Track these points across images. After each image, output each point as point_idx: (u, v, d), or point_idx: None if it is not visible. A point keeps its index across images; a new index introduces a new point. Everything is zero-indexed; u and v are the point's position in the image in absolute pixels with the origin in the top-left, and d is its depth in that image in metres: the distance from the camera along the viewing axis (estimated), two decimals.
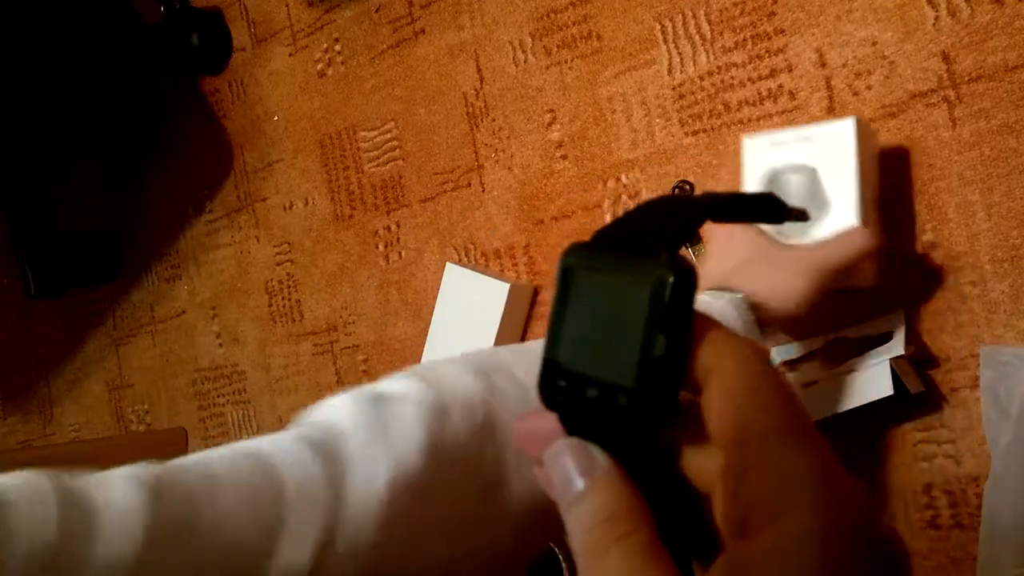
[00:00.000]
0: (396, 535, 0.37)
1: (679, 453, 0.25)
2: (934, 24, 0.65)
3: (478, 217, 0.92)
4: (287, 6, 1.10)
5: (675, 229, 0.26)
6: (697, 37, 0.76)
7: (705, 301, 0.54)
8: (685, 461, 0.25)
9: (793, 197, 0.61)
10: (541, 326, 0.86)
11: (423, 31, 0.96)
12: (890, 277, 0.67)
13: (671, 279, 0.23)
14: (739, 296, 0.55)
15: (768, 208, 0.33)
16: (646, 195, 0.80)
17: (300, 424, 0.40)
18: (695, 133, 0.77)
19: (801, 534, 0.21)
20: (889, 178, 0.67)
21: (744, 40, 0.74)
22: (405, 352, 0.99)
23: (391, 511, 0.37)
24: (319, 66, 1.07)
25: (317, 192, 1.07)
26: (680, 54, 0.78)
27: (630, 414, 0.24)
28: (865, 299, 0.68)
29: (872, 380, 0.62)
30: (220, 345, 1.19)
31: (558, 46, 0.86)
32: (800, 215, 0.37)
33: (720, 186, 0.75)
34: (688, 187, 0.76)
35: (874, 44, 0.67)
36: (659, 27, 0.79)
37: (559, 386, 0.25)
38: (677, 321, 0.24)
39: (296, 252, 1.10)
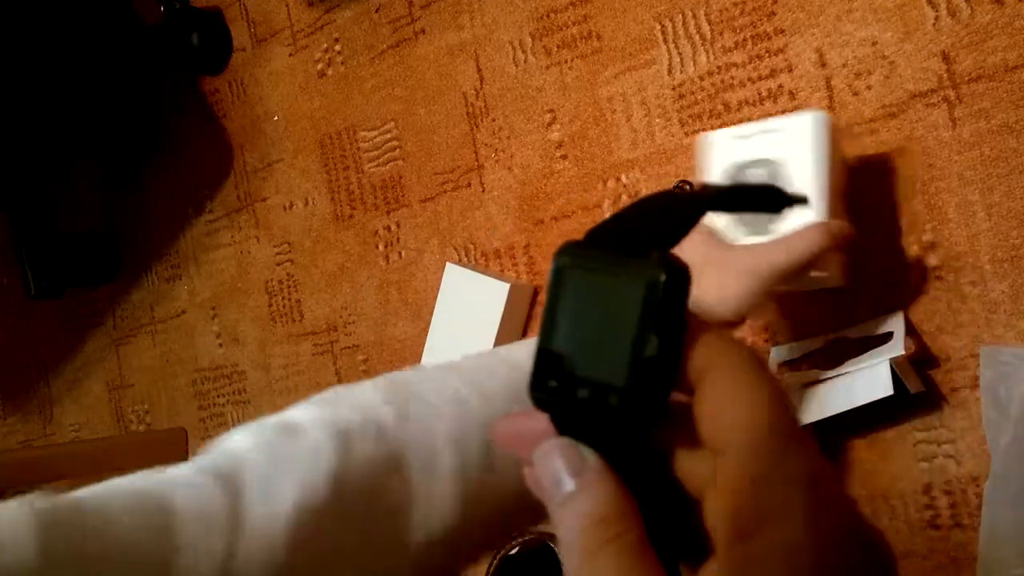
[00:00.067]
0: (300, 562, 0.37)
1: (671, 455, 0.25)
2: (934, 24, 0.65)
3: (478, 217, 0.92)
4: (287, 6, 1.10)
5: (670, 226, 0.26)
6: (697, 37, 0.76)
7: None
8: (677, 463, 0.25)
9: None
10: None
11: (423, 31, 0.96)
12: (890, 277, 0.67)
13: (663, 279, 0.23)
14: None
15: (768, 197, 0.33)
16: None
17: (205, 454, 0.40)
18: (695, 133, 0.77)
19: (792, 541, 0.21)
20: (881, 180, 0.67)
21: (744, 40, 0.74)
22: (405, 352, 0.99)
23: (296, 537, 0.36)
24: (319, 66, 1.07)
25: (317, 192, 1.07)
26: (680, 54, 0.78)
27: (621, 415, 0.23)
28: (848, 300, 0.68)
29: (872, 380, 0.62)
30: (220, 345, 1.19)
31: (558, 46, 0.86)
32: (802, 201, 0.37)
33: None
34: (688, 187, 0.76)
35: (874, 44, 0.67)
36: (659, 27, 0.79)
37: (550, 386, 0.25)
38: (670, 321, 0.23)
39: (296, 252, 1.10)
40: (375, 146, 1.01)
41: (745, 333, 0.74)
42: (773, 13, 0.72)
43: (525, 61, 0.88)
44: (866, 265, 0.68)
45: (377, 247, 1.01)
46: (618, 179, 0.81)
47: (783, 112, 0.72)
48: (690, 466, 0.25)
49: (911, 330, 0.65)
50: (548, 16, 0.86)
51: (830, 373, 0.66)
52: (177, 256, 1.25)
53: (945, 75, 0.64)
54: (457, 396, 0.43)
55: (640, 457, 0.25)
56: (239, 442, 0.40)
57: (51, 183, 1.26)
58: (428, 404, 0.42)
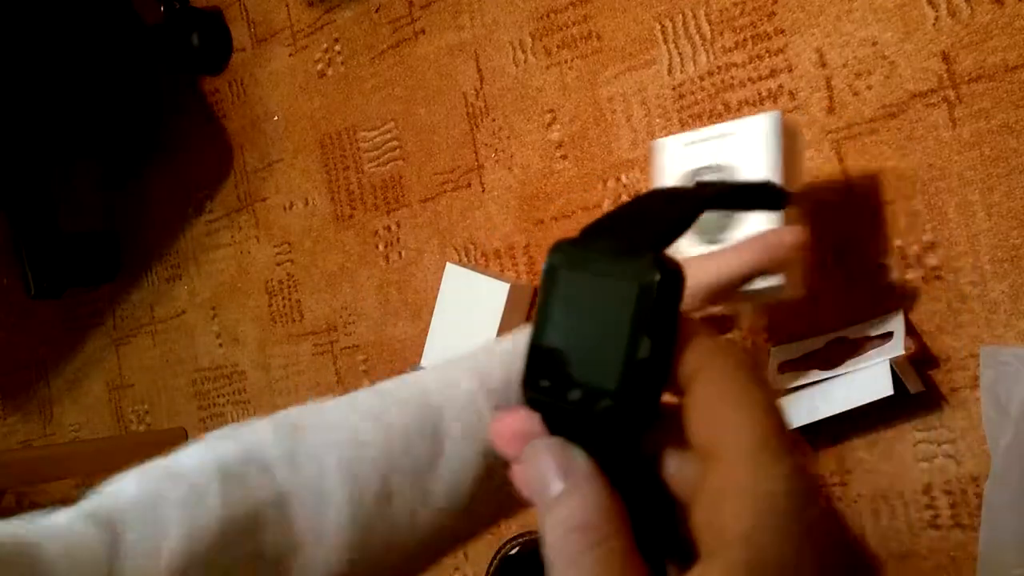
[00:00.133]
0: None
1: (659, 457, 0.25)
2: (934, 24, 0.65)
3: (478, 217, 0.92)
4: (287, 6, 1.10)
5: (666, 226, 0.26)
6: (697, 37, 0.76)
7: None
8: (665, 466, 0.25)
9: None
10: None
11: (423, 31, 0.96)
12: (890, 278, 0.67)
13: (657, 280, 0.23)
14: None
15: (766, 196, 0.33)
16: None
17: (89, 498, 0.39)
18: None
19: (774, 554, 0.21)
20: (881, 180, 0.67)
21: (744, 40, 0.74)
22: (405, 352, 0.99)
23: None
24: (319, 66, 1.07)
25: (317, 192, 1.07)
26: (680, 54, 0.78)
27: (612, 417, 0.23)
28: (848, 300, 0.68)
29: (872, 380, 0.62)
30: (220, 345, 1.19)
31: (558, 46, 0.86)
32: (800, 198, 0.37)
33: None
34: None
35: (874, 44, 0.67)
36: (659, 27, 0.79)
37: (541, 386, 0.25)
38: (663, 324, 0.23)
39: (296, 252, 1.10)
40: (375, 146, 1.01)
41: (745, 333, 0.74)
42: (773, 13, 0.72)
43: (525, 61, 0.88)
44: (866, 265, 0.68)
45: (377, 247, 1.01)
46: (618, 179, 0.81)
47: (783, 112, 0.72)
48: (678, 469, 0.25)
49: (911, 330, 0.65)
50: (548, 16, 0.86)
51: (830, 373, 0.66)
52: (177, 256, 1.25)
53: (945, 75, 0.64)
54: (355, 436, 0.42)
55: (629, 460, 0.25)
56: (124, 486, 0.39)
57: (51, 183, 1.26)
58: (322, 445, 0.41)
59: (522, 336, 0.48)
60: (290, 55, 1.10)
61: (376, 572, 0.41)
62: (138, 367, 1.31)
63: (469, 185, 0.93)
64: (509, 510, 0.47)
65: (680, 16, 0.78)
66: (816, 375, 0.67)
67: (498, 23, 0.90)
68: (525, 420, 0.25)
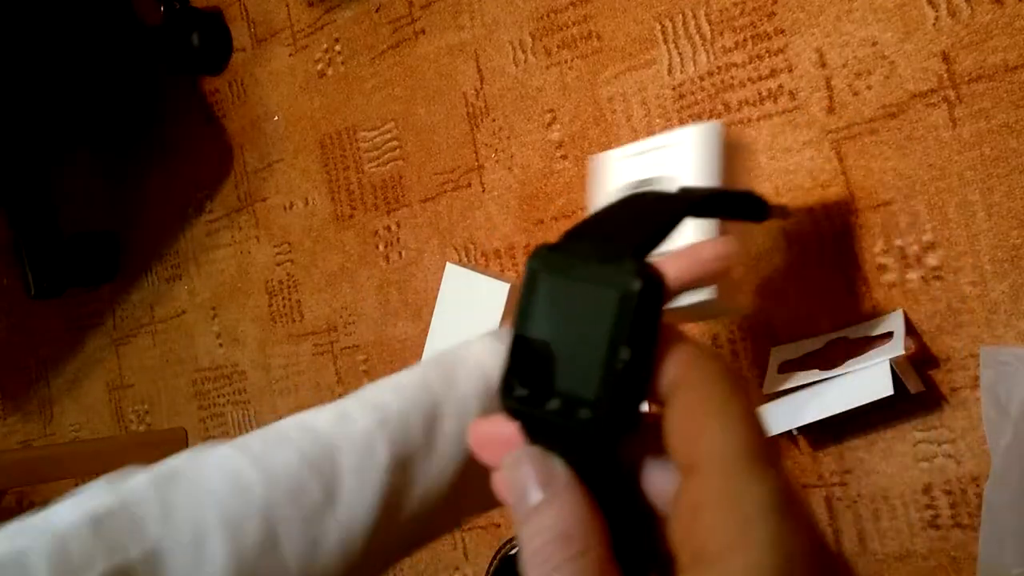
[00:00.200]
0: None
1: (639, 467, 0.25)
2: (934, 24, 0.65)
3: (478, 217, 0.92)
4: (287, 6, 1.10)
5: (648, 231, 0.25)
6: (697, 37, 0.76)
7: (469, 345, 0.49)
8: (644, 476, 0.25)
9: None
10: None
11: (423, 31, 0.96)
12: (888, 279, 0.67)
13: (638, 288, 0.22)
14: None
15: (748, 205, 0.32)
16: None
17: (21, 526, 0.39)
18: None
19: (756, 567, 0.20)
20: (880, 180, 0.67)
21: (744, 40, 0.74)
22: (405, 352, 0.99)
23: None
24: (319, 66, 1.07)
25: (317, 192, 1.07)
26: (680, 54, 0.78)
27: (590, 427, 0.23)
28: (848, 300, 0.68)
29: (872, 380, 0.62)
30: (220, 345, 1.19)
31: (558, 46, 0.86)
32: (781, 212, 0.36)
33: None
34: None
35: (874, 44, 0.67)
36: (659, 27, 0.79)
37: (520, 395, 0.24)
38: (643, 332, 0.23)
39: (296, 252, 1.10)
40: (375, 146, 1.01)
41: (745, 333, 0.74)
42: (773, 13, 0.72)
43: (525, 61, 0.88)
44: (866, 265, 0.68)
45: (377, 247, 1.01)
46: None
47: (783, 112, 0.72)
48: (657, 480, 0.24)
49: (911, 330, 0.65)
50: (548, 16, 0.86)
51: (830, 373, 0.66)
52: (177, 256, 1.25)
53: (945, 75, 0.64)
54: (238, 480, 0.41)
55: (609, 469, 0.24)
56: (7, 536, 0.38)
57: (51, 183, 1.26)
58: (202, 494, 0.40)
59: (433, 363, 0.48)
60: (290, 55, 1.10)
61: None
62: (138, 367, 1.31)
63: (469, 185, 0.93)
64: (412, 549, 0.46)
65: (680, 16, 0.78)
66: (816, 375, 0.67)
67: (498, 23, 0.90)
68: (504, 426, 0.25)
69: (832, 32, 0.69)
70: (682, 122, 0.77)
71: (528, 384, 0.24)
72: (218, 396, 1.20)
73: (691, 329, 0.77)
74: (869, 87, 0.68)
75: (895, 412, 0.66)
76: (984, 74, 0.63)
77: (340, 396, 0.48)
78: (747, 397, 0.23)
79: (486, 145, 0.91)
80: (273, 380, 1.13)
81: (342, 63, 1.04)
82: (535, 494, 0.23)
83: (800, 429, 0.66)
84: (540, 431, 0.24)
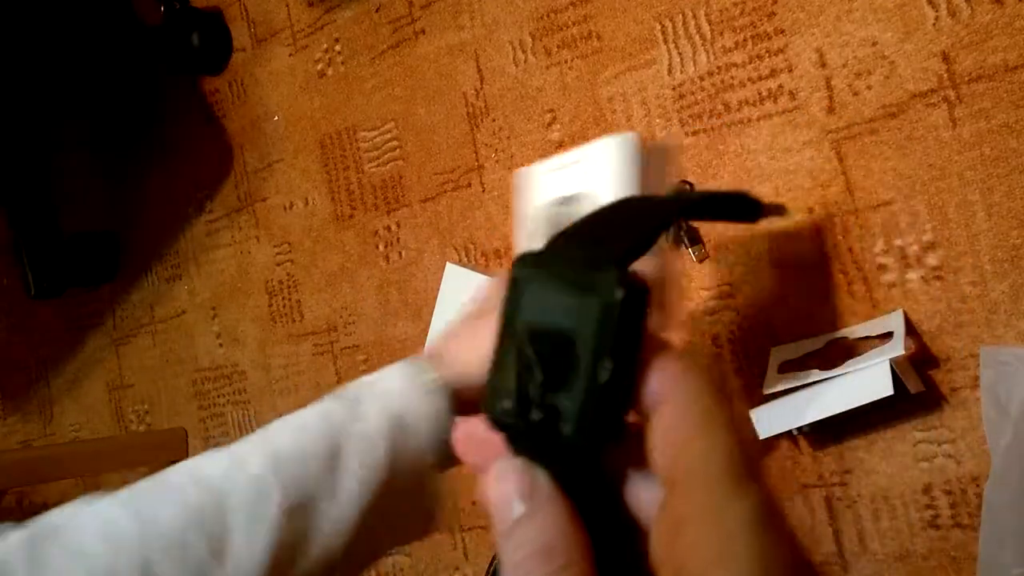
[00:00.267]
0: None
1: (622, 479, 0.24)
2: (934, 24, 0.65)
3: (478, 217, 0.92)
4: (287, 6, 1.10)
5: (633, 238, 0.25)
6: (697, 37, 0.76)
7: (379, 376, 0.46)
8: (627, 488, 0.24)
9: None
10: None
11: (423, 31, 0.96)
12: (888, 282, 0.67)
13: (620, 297, 0.22)
14: (430, 378, 0.45)
15: (740, 206, 0.32)
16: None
17: None
18: (695, 133, 0.77)
19: None
20: (880, 180, 0.67)
21: (744, 40, 0.74)
22: (405, 352, 0.99)
23: None
24: (319, 66, 1.07)
25: (317, 192, 1.07)
26: (680, 54, 0.78)
27: (573, 440, 0.22)
28: (848, 300, 0.68)
29: (872, 380, 0.62)
30: (220, 345, 1.19)
31: (558, 46, 0.86)
32: (776, 210, 0.35)
33: (722, 186, 0.75)
34: (688, 187, 0.76)
35: (874, 44, 0.67)
36: (659, 27, 0.79)
37: (503, 407, 0.24)
38: (626, 342, 0.22)
39: (296, 252, 1.10)
40: (375, 146, 1.01)
41: (746, 333, 0.74)
42: (773, 13, 0.72)
43: (525, 61, 0.88)
44: (866, 265, 0.68)
45: (377, 247, 1.01)
46: None
47: (783, 112, 0.72)
48: (640, 492, 0.24)
49: (911, 330, 0.65)
50: (548, 16, 0.86)
51: (830, 373, 0.66)
52: (177, 256, 1.25)
53: (945, 75, 0.64)
54: (116, 537, 0.39)
55: (592, 481, 0.24)
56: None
57: (51, 183, 1.26)
58: (74, 552, 0.39)
59: (345, 396, 0.45)
60: (290, 55, 1.10)
61: None
62: (138, 367, 1.31)
63: (469, 185, 0.93)
64: None
65: (680, 16, 0.78)
66: (816, 375, 0.67)
67: (498, 23, 0.90)
68: (489, 431, 0.25)
69: (832, 32, 0.69)
70: (682, 122, 0.77)
71: (511, 395, 0.24)
72: (218, 396, 1.20)
73: (688, 333, 0.77)
74: (869, 87, 0.68)
75: (895, 412, 0.66)
76: (984, 74, 0.63)
77: None
78: (731, 410, 0.23)
79: (486, 145, 0.91)
80: (273, 380, 1.13)
81: (342, 63, 1.04)
82: (518, 507, 0.23)
83: (800, 429, 0.66)
84: (524, 442, 0.24)
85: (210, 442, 1.21)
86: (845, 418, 0.64)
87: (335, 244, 1.05)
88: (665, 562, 0.22)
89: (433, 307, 0.91)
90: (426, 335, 0.92)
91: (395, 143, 0.99)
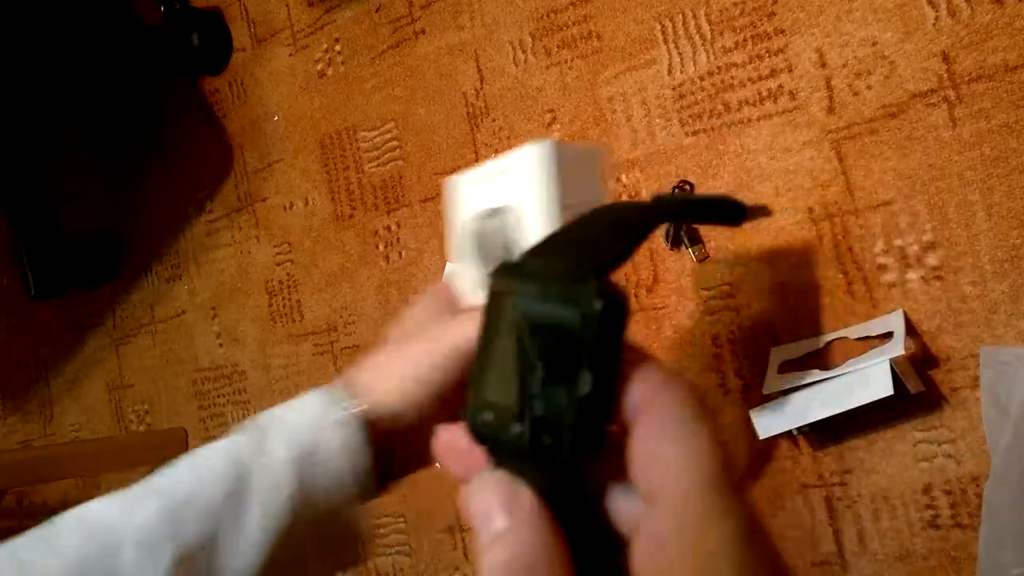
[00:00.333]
0: None
1: (603, 491, 0.24)
2: (934, 24, 0.65)
3: None
4: (287, 6, 1.10)
5: (612, 247, 0.24)
6: (697, 37, 0.76)
7: (283, 413, 0.44)
8: (608, 500, 0.24)
9: (492, 246, 0.46)
10: None
11: (423, 31, 0.96)
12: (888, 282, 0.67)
13: (599, 308, 0.22)
14: (343, 408, 0.42)
15: (723, 210, 0.31)
16: (646, 195, 0.80)
17: None
18: (695, 133, 0.77)
19: None
20: (879, 180, 0.67)
21: (744, 40, 0.74)
22: None
23: None
24: (319, 66, 1.07)
25: (317, 192, 1.07)
26: (680, 54, 0.78)
27: (553, 453, 0.22)
28: (848, 300, 0.68)
29: (872, 380, 0.62)
30: (220, 345, 1.19)
31: (558, 46, 0.86)
32: (761, 211, 0.35)
33: (722, 186, 0.75)
34: (688, 187, 0.76)
35: (874, 44, 0.67)
36: (659, 27, 0.79)
37: (484, 419, 0.24)
38: (605, 356, 0.22)
39: (296, 252, 1.10)
40: (375, 146, 1.01)
41: (746, 333, 0.74)
42: (773, 13, 0.72)
43: (525, 61, 0.88)
44: (866, 265, 0.68)
45: (377, 247, 1.01)
46: (618, 179, 0.81)
47: (783, 112, 0.72)
48: (622, 504, 0.24)
49: (911, 330, 0.65)
50: (548, 16, 0.86)
51: (830, 373, 0.66)
52: (177, 256, 1.25)
53: (945, 75, 0.64)
54: None
55: (573, 495, 0.24)
56: None
57: (51, 183, 1.26)
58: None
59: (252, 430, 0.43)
60: (290, 55, 1.10)
61: None
62: (138, 367, 1.31)
63: None
64: None
65: (680, 16, 0.78)
66: (816, 375, 0.67)
67: (498, 23, 0.90)
68: (471, 442, 0.24)
69: (832, 32, 0.69)
70: (682, 122, 0.77)
71: (492, 408, 0.23)
72: (218, 396, 1.20)
73: (688, 333, 0.77)
74: (869, 87, 0.68)
75: (895, 412, 0.66)
76: (984, 74, 0.63)
77: None
78: (712, 423, 0.23)
79: (486, 145, 0.91)
80: (273, 380, 1.13)
81: (342, 63, 1.04)
82: (499, 520, 0.23)
83: (800, 429, 0.66)
84: (505, 456, 0.24)
85: (211, 442, 1.21)
86: (845, 418, 0.64)
87: (335, 244, 1.05)
88: None
89: None
90: None
91: (395, 143, 0.99)
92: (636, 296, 0.79)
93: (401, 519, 0.98)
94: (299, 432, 0.42)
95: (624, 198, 0.81)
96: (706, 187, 0.76)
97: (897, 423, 0.66)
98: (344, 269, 1.05)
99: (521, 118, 0.88)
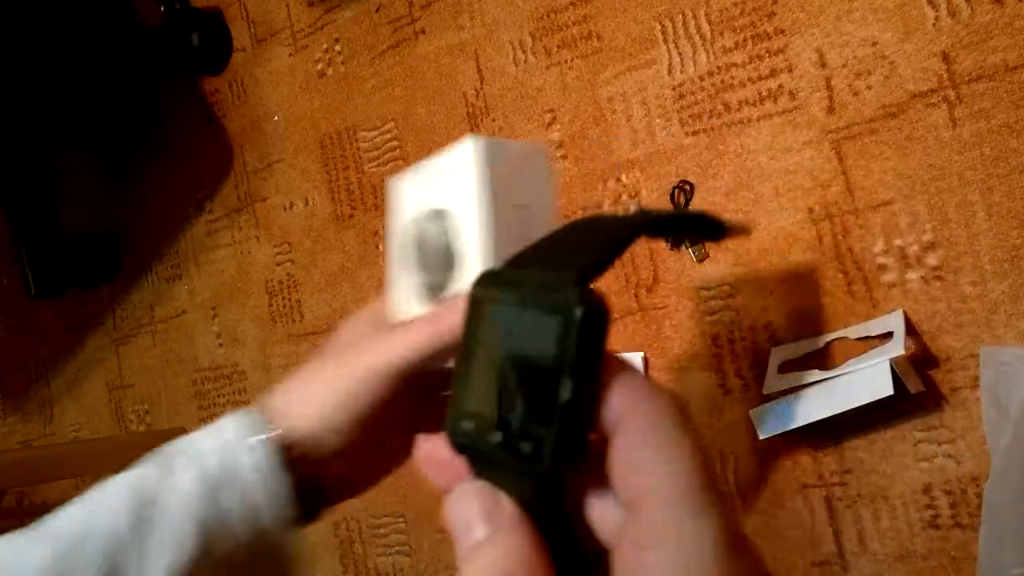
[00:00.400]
0: None
1: (583, 501, 0.24)
2: (934, 24, 0.65)
3: None
4: (287, 6, 1.10)
5: (593, 256, 0.24)
6: (697, 37, 0.76)
7: (193, 439, 0.41)
8: (588, 507, 0.24)
9: (432, 252, 0.44)
10: None
11: (423, 31, 0.96)
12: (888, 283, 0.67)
13: (580, 315, 0.22)
14: (256, 433, 0.40)
15: (701, 225, 0.31)
16: (646, 195, 0.80)
17: None
18: (695, 133, 0.77)
19: None
20: (878, 181, 0.67)
21: (744, 40, 0.74)
22: None
23: None
24: (319, 66, 1.07)
25: (317, 192, 1.07)
26: (680, 54, 0.78)
27: (533, 462, 0.22)
28: (848, 300, 0.68)
29: (872, 380, 0.62)
30: (220, 345, 1.19)
31: (558, 46, 0.86)
32: (741, 229, 0.35)
33: (722, 186, 0.75)
34: (688, 187, 0.76)
35: (874, 44, 0.67)
36: (659, 27, 0.79)
37: (464, 428, 0.23)
38: (585, 363, 0.22)
39: (296, 252, 1.10)
40: (375, 146, 1.01)
41: (745, 333, 0.74)
42: (773, 13, 0.72)
43: (525, 61, 0.88)
44: (866, 265, 0.68)
45: (377, 247, 1.01)
46: (618, 179, 0.81)
47: (783, 112, 0.72)
48: (602, 512, 0.24)
49: (911, 330, 0.65)
50: (548, 16, 0.86)
51: (830, 373, 0.66)
52: (177, 256, 1.25)
53: (945, 75, 0.64)
54: None
55: (553, 503, 0.24)
56: None
57: (51, 183, 1.26)
58: None
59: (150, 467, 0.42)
60: (290, 55, 1.10)
61: None
62: (138, 367, 1.31)
63: None
64: None
65: (680, 16, 0.78)
66: (816, 375, 0.67)
67: (498, 23, 0.90)
68: (448, 448, 0.24)
69: (832, 32, 0.69)
70: (682, 122, 0.77)
71: (472, 417, 0.23)
72: (218, 396, 1.20)
73: (688, 332, 0.77)
74: (869, 87, 0.68)
75: (895, 412, 0.66)
76: (984, 74, 0.63)
77: None
78: (694, 430, 0.22)
79: None
80: (273, 380, 1.13)
81: (342, 63, 1.04)
82: (479, 529, 0.23)
83: (800, 429, 0.66)
84: (486, 465, 0.24)
85: None
86: (845, 418, 0.64)
87: (335, 244, 1.05)
88: None
89: None
90: None
91: (395, 143, 0.99)
92: (636, 296, 0.79)
93: (401, 519, 0.98)
94: (208, 458, 0.40)
95: (624, 198, 0.81)
96: (706, 187, 0.76)
97: (897, 423, 0.66)
98: (344, 269, 1.05)
99: (521, 118, 0.88)
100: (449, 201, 0.42)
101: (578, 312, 0.22)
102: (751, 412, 0.69)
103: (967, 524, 0.64)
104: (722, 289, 0.75)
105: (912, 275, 0.66)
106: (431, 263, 0.39)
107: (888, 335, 0.64)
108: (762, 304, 0.73)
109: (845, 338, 0.68)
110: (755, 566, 0.22)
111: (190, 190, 1.22)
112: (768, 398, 0.70)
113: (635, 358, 0.79)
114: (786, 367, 0.70)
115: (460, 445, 0.24)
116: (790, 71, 0.72)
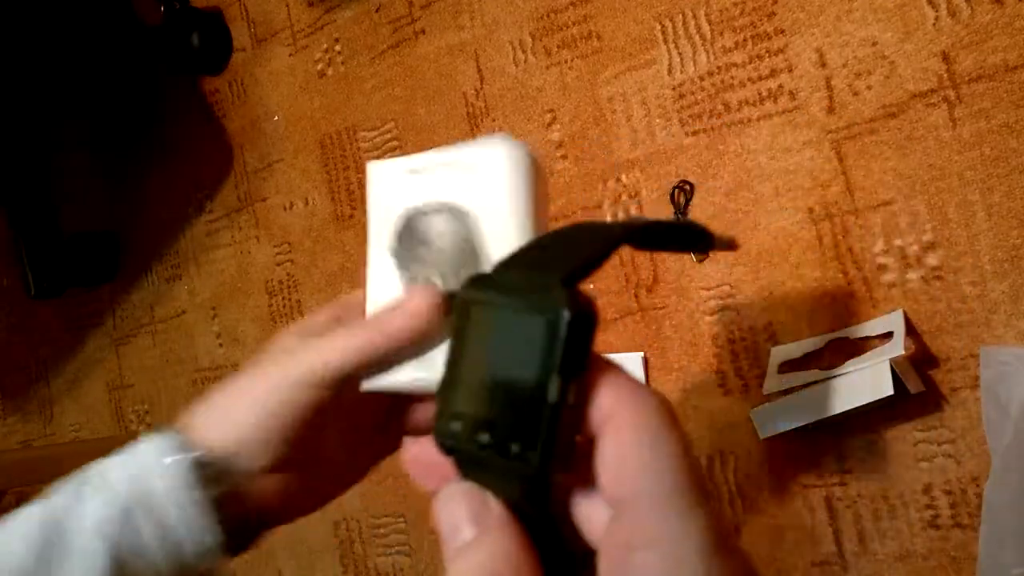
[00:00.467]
0: None
1: (570, 500, 0.24)
2: (934, 24, 0.65)
3: None
4: (287, 6, 1.10)
5: (580, 259, 0.24)
6: (697, 37, 0.76)
7: (107, 463, 0.38)
8: (575, 508, 0.24)
9: (435, 249, 0.43)
10: None
11: (423, 31, 0.96)
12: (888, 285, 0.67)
13: (567, 317, 0.22)
14: (172, 454, 0.37)
15: (690, 237, 0.32)
16: (646, 195, 0.80)
17: None
18: (695, 133, 0.77)
19: None
20: (878, 181, 0.67)
21: (744, 40, 0.74)
22: None
23: None
24: (319, 66, 1.07)
25: (317, 192, 1.07)
26: (680, 54, 0.78)
27: (521, 462, 0.22)
28: (848, 300, 0.68)
29: (872, 380, 0.62)
30: (220, 345, 1.19)
31: (558, 46, 0.86)
32: (728, 244, 0.35)
33: (722, 186, 0.75)
34: (688, 187, 0.76)
35: (874, 44, 0.67)
36: (659, 27, 0.79)
37: (452, 429, 0.24)
38: (573, 364, 0.22)
39: (296, 252, 1.10)
40: (375, 146, 1.01)
41: (745, 333, 0.74)
42: (773, 13, 0.72)
43: (525, 61, 0.88)
44: (866, 265, 0.68)
45: None
46: (618, 179, 0.81)
47: (783, 112, 0.72)
48: (589, 514, 0.24)
49: (911, 330, 0.65)
50: (548, 16, 0.86)
51: (830, 373, 0.66)
52: (177, 256, 1.25)
53: (945, 75, 0.64)
54: None
55: (540, 504, 0.24)
56: None
57: (51, 183, 1.26)
58: None
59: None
60: (290, 55, 1.10)
61: None
62: (138, 367, 1.31)
63: None
64: None
65: (680, 16, 0.78)
66: (816, 375, 0.67)
67: (498, 23, 0.90)
68: (436, 450, 0.24)
69: (832, 32, 0.69)
70: (682, 122, 0.77)
71: (459, 418, 0.23)
72: None
73: (688, 332, 0.77)
74: (869, 87, 0.68)
75: (895, 412, 0.66)
76: (984, 74, 0.63)
77: None
78: (681, 431, 0.22)
79: None
80: None
81: (342, 63, 1.04)
82: (466, 531, 0.23)
83: (800, 429, 0.66)
84: (473, 466, 0.24)
85: None
86: (845, 418, 0.64)
87: (335, 244, 1.05)
88: None
89: None
90: None
91: (395, 143, 0.99)
92: (636, 296, 0.79)
93: (401, 519, 0.98)
94: (120, 484, 0.37)
95: (624, 198, 0.81)
96: (706, 187, 0.76)
97: (897, 423, 0.66)
98: (344, 269, 1.05)
99: (521, 118, 0.88)
100: (471, 200, 0.41)
101: (565, 313, 0.22)
102: (751, 412, 0.69)
103: (967, 524, 0.64)
104: (722, 289, 0.75)
105: (912, 275, 0.66)
106: (432, 259, 0.39)
107: (888, 335, 0.64)
108: (762, 304, 0.73)
109: (845, 338, 0.68)
110: (742, 565, 0.22)
111: (190, 190, 1.22)
112: (768, 398, 0.70)
113: (635, 358, 0.79)
114: (786, 367, 0.70)
115: (447, 447, 0.24)
116: (790, 71, 0.72)
